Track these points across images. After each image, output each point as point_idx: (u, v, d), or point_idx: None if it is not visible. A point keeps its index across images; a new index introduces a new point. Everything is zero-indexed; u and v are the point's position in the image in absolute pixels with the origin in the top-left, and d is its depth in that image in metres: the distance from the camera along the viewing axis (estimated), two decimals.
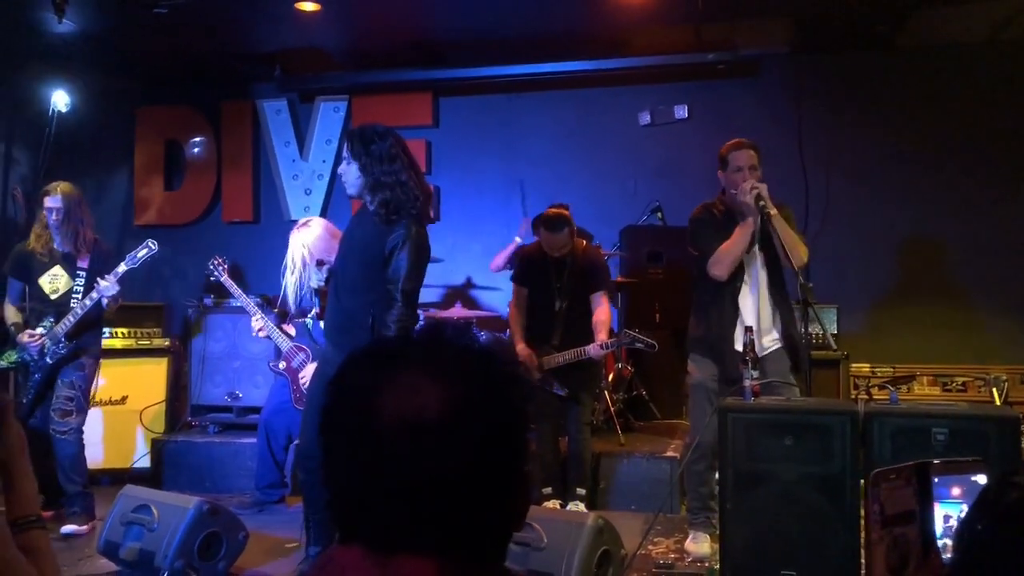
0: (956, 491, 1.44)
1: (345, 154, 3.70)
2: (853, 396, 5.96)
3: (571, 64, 6.78)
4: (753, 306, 4.11)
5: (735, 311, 4.13)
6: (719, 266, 4.11)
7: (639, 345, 4.81)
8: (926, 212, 6.58)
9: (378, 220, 3.62)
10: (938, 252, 6.58)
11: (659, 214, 6.76)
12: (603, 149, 7.03)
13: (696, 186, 6.78)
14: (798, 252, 3.97)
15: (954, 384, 6.30)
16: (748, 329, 3.82)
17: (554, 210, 4.98)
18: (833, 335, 6.04)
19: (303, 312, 4.97)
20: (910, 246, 6.61)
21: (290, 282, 4.76)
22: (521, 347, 4.89)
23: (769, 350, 4.10)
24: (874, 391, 5.87)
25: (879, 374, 6.22)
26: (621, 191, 6.98)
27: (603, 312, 4.98)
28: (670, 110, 6.93)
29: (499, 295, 6.77)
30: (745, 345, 3.76)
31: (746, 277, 4.14)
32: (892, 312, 6.57)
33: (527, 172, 7.10)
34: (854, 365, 6.21)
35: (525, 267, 5.06)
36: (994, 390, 6.07)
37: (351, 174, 3.67)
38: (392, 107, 7.25)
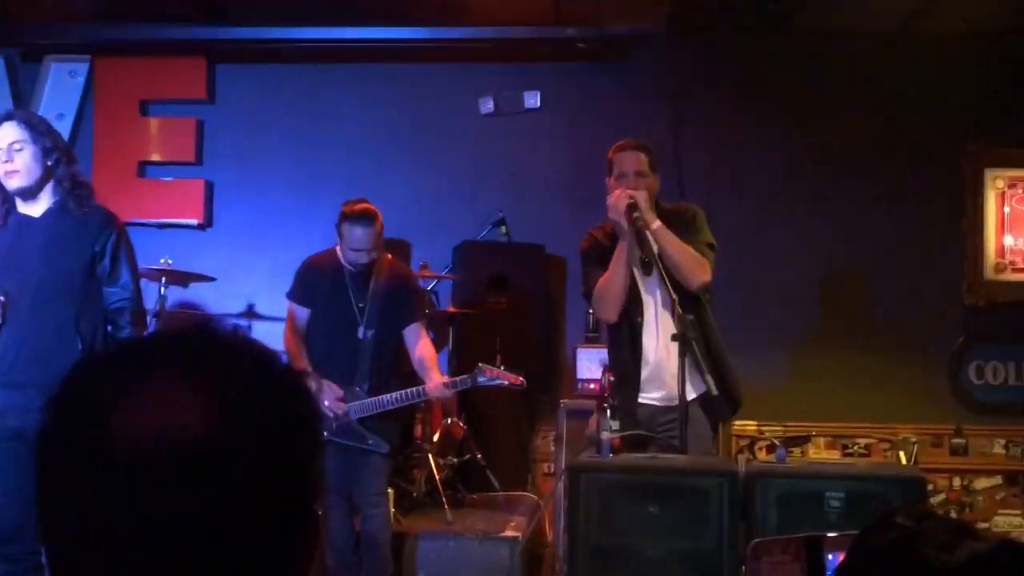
0: None
1: (22, 135, 3.80)
2: (733, 456, 6.17)
3: (392, 31, 6.85)
4: (653, 346, 4.21)
5: (636, 355, 4.22)
6: (601, 306, 4.24)
7: (500, 383, 4.86)
8: (827, 235, 6.93)
9: (75, 209, 3.72)
10: (842, 286, 6.94)
11: (503, 228, 6.85)
12: (432, 143, 7.09)
13: (550, 194, 7.03)
14: (689, 269, 4.11)
15: (856, 447, 6.68)
16: (606, 368, 3.99)
17: (362, 203, 4.99)
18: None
19: None
20: (808, 277, 6.94)
21: None
22: (312, 374, 4.89)
23: (673, 402, 4.09)
24: (759, 452, 6.11)
25: (767, 434, 6.48)
26: (456, 197, 7.07)
27: (426, 347, 5.02)
28: (518, 97, 7.02)
29: None
30: (602, 386, 3.91)
31: (644, 310, 4.24)
32: (784, 359, 6.85)
33: (329, 167, 7.09)
34: (737, 423, 6.41)
35: (309, 281, 5.05)
36: (901, 453, 6.45)
37: (27, 159, 3.79)
38: (151, 74, 7.07)
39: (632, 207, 4.06)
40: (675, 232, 4.16)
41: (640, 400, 4.21)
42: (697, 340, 4.05)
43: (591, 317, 6.24)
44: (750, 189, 6.98)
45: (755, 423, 6.57)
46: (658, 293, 4.19)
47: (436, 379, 4.87)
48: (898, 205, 6.92)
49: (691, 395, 4.10)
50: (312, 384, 4.84)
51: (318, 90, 7.16)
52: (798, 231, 6.95)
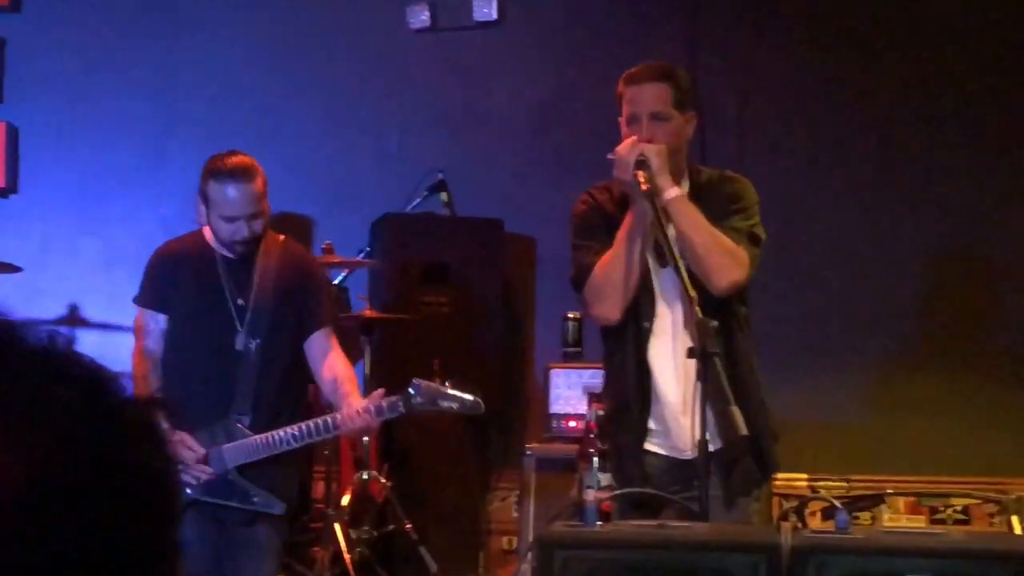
0: None
1: None
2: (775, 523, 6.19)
3: None
4: (669, 366, 4.26)
5: (642, 378, 4.25)
6: (599, 300, 4.26)
7: (446, 407, 4.85)
8: (906, 214, 6.99)
9: None
10: (931, 286, 7.01)
11: (444, 195, 6.89)
12: (339, 74, 7.10)
13: (511, 147, 7.03)
14: (714, 262, 4.14)
15: (949, 510, 6.71)
16: (593, 398, 3.96)
17: (234, 155, 4.96)
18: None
19: None
20: (882, 273, 6.99)
21: None
22: (175, 436, 4.71)
23: (688, 454, 4.14)
24: (811, 518, 6.04)
25: (824, 491, 6.50)
26: (374, 151, 7.07)
27: (339, 361, 5.02)
28: (466, 4, 7.05)
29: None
30: (588, 424, 3.87)
31: (657, 315, 4.27)
32: (848, 388, 6.87)
33: (189, 109, 7.07)
34: (782, 476, 6.27)
35: (166, 276, 5.07)
36: (1015, 519, 6.48)
37: None
38: None
39: (641, 163, 4.09)
40: (710, 209, 4.21)
41: (647, 447, 4.24)
42: (734, 361, 4.09)
43: (571, 325, 6.25)
44: (801, 144, 7.03)
45: (806, 477, 6.62)
46: (673, 290, 4.22)
47: (354, 404, 4.83)
48: (1016, 171, 7.00)
49: (716, 443, 4.12)
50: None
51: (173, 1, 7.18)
52: (865, 206, 7.03)
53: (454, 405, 4.84)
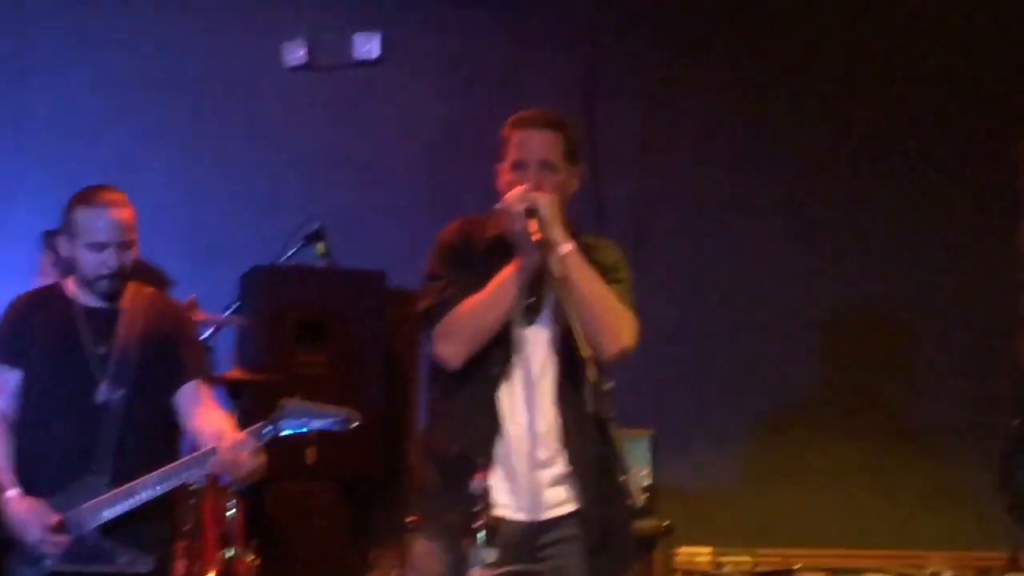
0: None
1: None
2: None
3: None
4: (524, 419, 4.17)
5: (490, 423, 4.15)
6: (448, 339, 4.16)
7: (319, 426, 4.69)
8: (816, 265, 7.02)
9: None
10: (840, 341, 7.03)
11: (321, 245, 6.80)
12: (206, 112, 7.11)
13: (395, 193, 7.05)
14: (610, 325, 4.08)
15: None
16: (478, 466, 3.80)
17: (105, 187, 4.87)
18: (644, 488, 6.16)
19: None
20: (789, 329, 7.01)
21: None
22: (13, 495, 4.69)
23: (551, 514, 4.11)
24: None
25: (730, 565, 6.41)
26: (245, 198, 7.06)
27: (216, 413, 4.92)
28: (347, 41, 7.10)
29: None
30: (472, 497, 3.71)
31: (513, 364, 4.18)
32: (753, 453, 6.91)
33: (48, 153, 7.02)
34: (683, 549, 6.40)
35: (19, 327, 4.97)
36: None
37: None
38: None
39: (531, 213, 4.03)
40: None
41: (499, 513, 4.03)
42: (591, 427, 3.97)
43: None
44: (708, 190, 7.06)
45: (710, 551, 6.50)
46: (542, 343, 4.21)
47: (231, 436, 4.69)
48: (927, 217, 7.04)
49: (568, 506, 4.13)
50: (15, 505, 4.71)
51: (19, 22, 7.09)
52: (774, 256, 7.04)
53: (325, 422, 4.72)
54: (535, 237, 3.96)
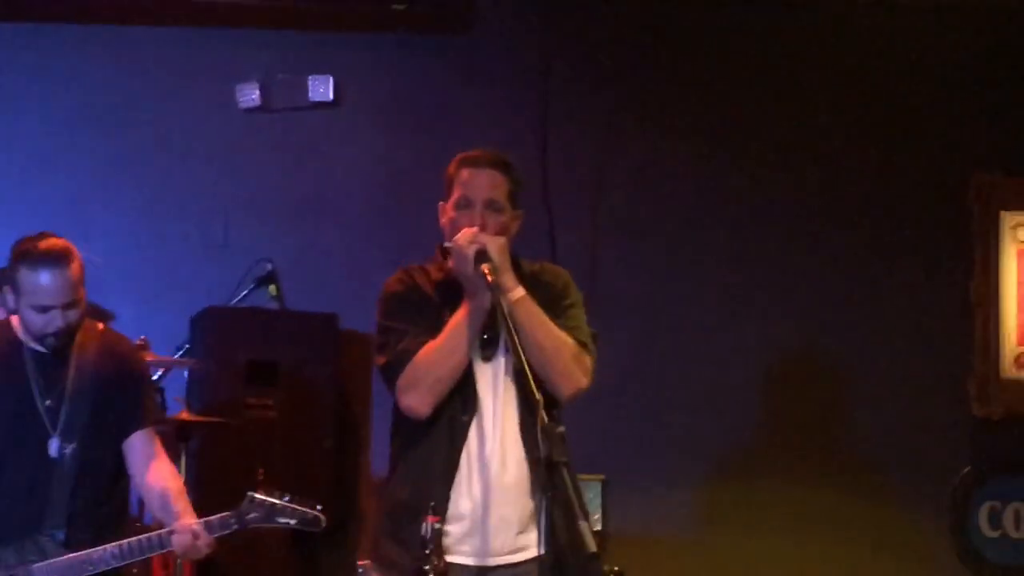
0: None
1: None
2: None
3: None
4: (484, 463, 4.20)
5: (448, 468, 4.18)
6: (412, 391, 4.16)
7: (285, 521, 4.72)
8: (769, 311, 7.05)
9: None
10: (790, 390, 7.04)
11: (272, 287, 6.86)
12: (158, 153, 7.08)
13: (348, 234, 7.02)
14: (563, 368, 4.11)
15: None
16: (428, 511, 3.79)
17: (46, 238, 4.78)
18: (595, 533, 6.11)
19: None
20: (741, 377, 7.03)
21: None
22: None
23: (504, 560, 4.14)
24: None
25: None
26: (196, 239, 7.03)
27: (167, 471, 4.87)
28: (301, 84, 7.08)
29: None
30: (423, 540, 3.74)
31: (481, 408, 4.20)
32: (701, 501, 6.92)
33: None
34: None
35: None
36: None
37: None
38: None
39: (482, 255, 4.04)
40: (540, 305, 4.21)
41: (451, 559, 4.06)
42: (556, 471, 3.92)
43: None
44: (658, 235, 7.07)
45: None
46: (501, 377, 4.23)
47: (187, 521, 4.65)
48: (879, 264, 7.08)
49: (531, 552, 4.15)
50: None
51: None
52: (725, 299, 7.07)
53: (291, 521, 4.76)
54: (489, 279, 3.97)
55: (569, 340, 4.19)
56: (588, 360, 4.24)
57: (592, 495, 6.39)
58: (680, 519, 6.90)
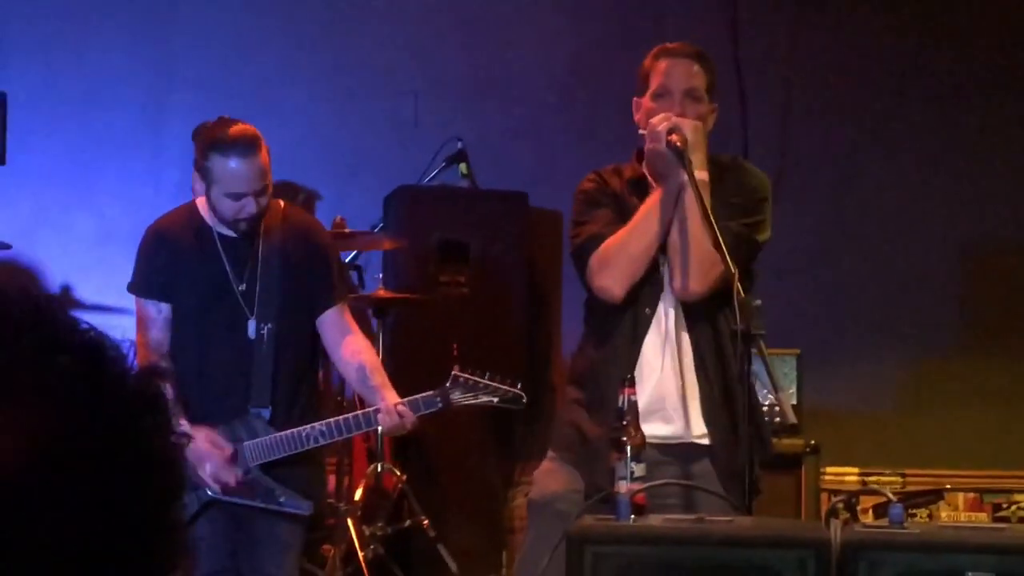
0: None
1: None
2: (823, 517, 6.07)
3: None
4: (659, 358, 4.33)
5: (632, 362, 4.30)
6: (607, 272, 4.31)
7: (487, 400, 4.89)
8: (973, 188, 7.04)
9: None
10: (997, 262, 7.08)
11: (463, 166, 6.88)
12: (352, 35, 7.11)
13: (538, 113, 7.05)
14: (694, 263, 4.21)
15: (1014, 507, 6.73)
16: (625, 383, 3.92)
17: (235, 123, 4.92)
18: (792, 407, 6.21)
19: None
20: (943, 248, 7.07)
21: None
22: (187, 425, 4.77)
23: (694, 438, 4.29)
24: (863, 514, 6.13)
25: (876, 485, 6.53)
26: (388, 119, 7.07)
27: (363, 346, 5.04)
28: None
29: None
30: (622, 412, 3.86)
31: (661, 298, 4.35)
32: (905, 375, 6.95)
33: (194, 69, 7.08)
34: (829, 470, 6.49)
35: (162, 259, 5.02)
36: None
37: None
38: None
39: (674, 129, 4.13)
40: (718, 198, 4.26)
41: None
42: (728, 360, 4.20)
43: None
44: (847, 126, 7.09)
45: (857, 471, 6.63)
46: None
47: (389, 399, 4.83)
48: None
49: (705, 439, 4.28)
50: (185, 435, 4.72)
51: None
52: (920, 177, 7.09)
53: (494, 399, 4.89)
54: (679, 145, 4.05)
55: (708, 244, 4.11)
56: (719, 265, 4.08)
57: (787, 369, 6.40)
58: (876, 394, 6.92)
